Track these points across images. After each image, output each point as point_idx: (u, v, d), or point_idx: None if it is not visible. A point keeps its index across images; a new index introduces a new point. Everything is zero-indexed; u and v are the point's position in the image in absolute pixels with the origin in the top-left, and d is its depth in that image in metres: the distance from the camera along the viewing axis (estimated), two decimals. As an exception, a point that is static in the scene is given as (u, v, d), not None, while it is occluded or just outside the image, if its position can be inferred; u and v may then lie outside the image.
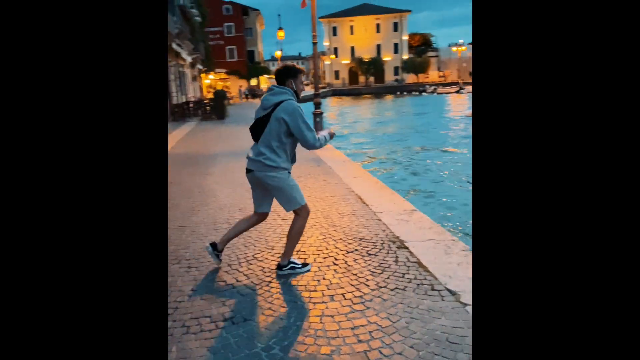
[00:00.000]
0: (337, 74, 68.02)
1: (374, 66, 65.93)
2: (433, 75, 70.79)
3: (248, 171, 3.00)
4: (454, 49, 72.32)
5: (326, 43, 67.90)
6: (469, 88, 49.94)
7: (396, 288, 2.73)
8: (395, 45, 68.70)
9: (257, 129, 2.93)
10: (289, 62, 3.07)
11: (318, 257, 3.29)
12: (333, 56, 66.32)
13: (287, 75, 2.96)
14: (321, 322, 2.38)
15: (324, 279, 2.93)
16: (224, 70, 42.74)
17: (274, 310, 2.54)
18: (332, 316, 2.44)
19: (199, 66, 31.83)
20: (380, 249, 3.38)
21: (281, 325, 2.38)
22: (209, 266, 3.22)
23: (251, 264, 3.24)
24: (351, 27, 68.74)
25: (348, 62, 67.09)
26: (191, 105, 21.01)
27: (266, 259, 3.33)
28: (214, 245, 3.19)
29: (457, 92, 50.82)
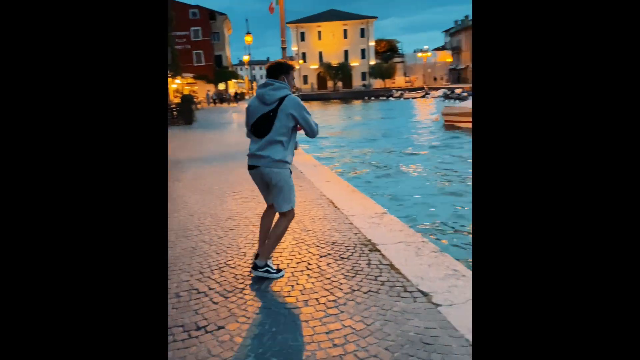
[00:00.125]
0: (305, 79, 68.25)
1: (342, 71, 66.60)
2: (399, 80, 72.15)
3: (252, 167, 3.00)
4: (419, 54, 73.96)
5: (294, 48, 68.04)
6: (434, 93, 51.23)
7: (369, 291, 2.76)
8: (363, 50, 69.65)
9: (264, 125, 2.91)
10: (280, 59, 3.12)
11: (291, 262, 3.29)
12: (301, 61, 66.49)
13: (280, 71, 3.00)
14: (296, 328, 2.38)
15: (297, 284, 2.93)
16: (191, 75, 42.07)
17: (248, 318, 2.52)
18: (306, 321, 2.44)
19: (165, 70, 31.17)
20: (353, 253, 3.41)
21: (256, 332, 2.36)
22: (180, 274, 3.16)
23: (223, 271, 3.20)
24: (319, 32, 69.24)
25: (316, 67, 67.50)
26: (158, 110, 20.53)
27: (239, 265, 3.29)
28: (256, 263, 3.03)
29: (423, 96, 52.05)
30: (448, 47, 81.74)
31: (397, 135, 20.52)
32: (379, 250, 3.41)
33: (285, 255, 3.43)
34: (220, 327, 2.41)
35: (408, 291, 2.72)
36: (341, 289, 2.80)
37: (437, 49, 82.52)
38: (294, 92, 3.03)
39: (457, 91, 46.76)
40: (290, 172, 3.03)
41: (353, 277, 2.98)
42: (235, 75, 52.90)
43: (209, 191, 5.90)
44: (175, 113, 19.97)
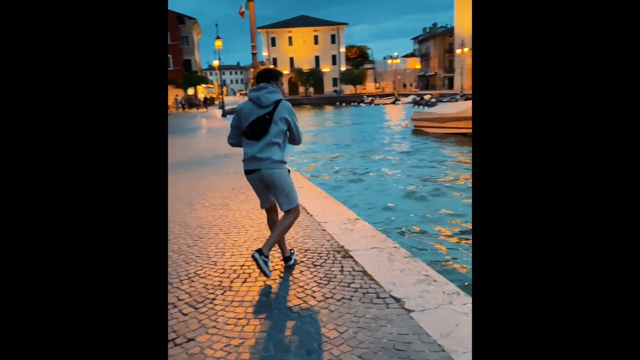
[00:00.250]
0: (276, 84, 68.08)
1: (313, 77, 66.91)
2: (370, 86, 73.17)
3: (250, 172, 3.03)
4: (389, 61, 75.22)
5: (265, 53, 67.91)
6: (404, 99, 52.14)
7: (342, 298, 2.74)
8: (334, 57, 70.25)
9: (261, 127, 2.97)
10: (270, 66, 3.25)
11: (263, 271, 3.23)
12: (272, 66, 66.33)
13: (270, 77, 3.11)
14: (268, 338, 2.33)
15: (270, 292, 2.88)
16: (159, 79, 41.29)
17: (218, 329, 2.45)
18: (279, 330, 2.40)
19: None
20: (326, 260, 3.39)
21: (227, 343, 2.30)
22: (148, 285, 3.06)
23: (193, 281, 3.11)
24: (289, 38, 69.39)
25: (287, 72, 67.50)
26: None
27: (209, 275, 3.21)
28: (287, 259, 3.32)
29: (393, 103, 52.90)
30: (417, 54, 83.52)
31: (368, 141, 20.72)
32: (352, 257, 3.41)
33: (257, 264, 3.37)
34: (190, 340, 2.34)
35: (381, 297, 2.72)
36: (314, 297, 2.78)
37: (407, 56, 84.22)
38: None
39: (426, 97, 47.83)
40: (289, 171, 3.12)
41: (326, 284, 2.96)
42: (204, 80, 52.25)
43: (177, 198, 5.76)
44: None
